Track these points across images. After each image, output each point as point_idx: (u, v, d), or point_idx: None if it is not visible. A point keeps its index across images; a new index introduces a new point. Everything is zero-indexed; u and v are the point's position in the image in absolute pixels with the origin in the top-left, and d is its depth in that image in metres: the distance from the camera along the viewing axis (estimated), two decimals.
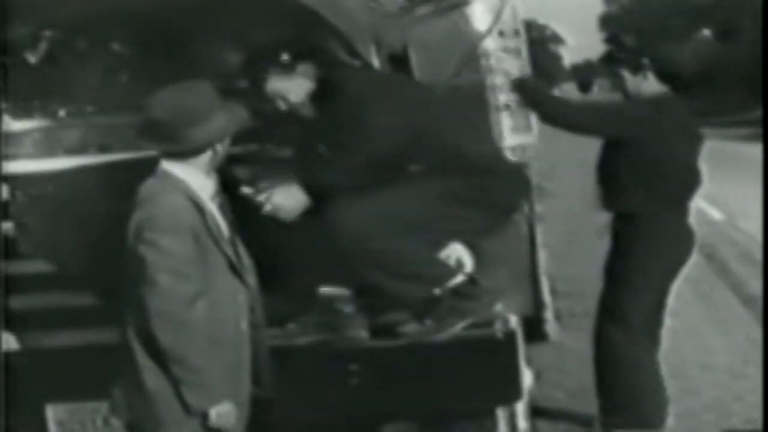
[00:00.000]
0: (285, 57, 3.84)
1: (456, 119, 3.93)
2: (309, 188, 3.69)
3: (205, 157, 3.40)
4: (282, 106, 3.88)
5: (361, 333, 3.84)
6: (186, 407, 3.31)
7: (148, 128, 3.41)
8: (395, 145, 3.71)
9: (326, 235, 3.64)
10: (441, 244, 3.91)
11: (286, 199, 3.68)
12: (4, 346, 4.02)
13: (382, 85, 3.98)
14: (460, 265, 3.93)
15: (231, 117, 3.43)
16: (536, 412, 5.08)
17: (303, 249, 3.75)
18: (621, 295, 4.84)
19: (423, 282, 3.81)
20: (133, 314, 3.33)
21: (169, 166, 3.39)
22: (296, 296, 3.93)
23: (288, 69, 3.85)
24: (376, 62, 4.20)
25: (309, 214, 3.70)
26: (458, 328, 3.83)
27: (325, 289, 3.88)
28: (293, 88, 3.86)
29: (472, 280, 3.88)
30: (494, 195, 3.88)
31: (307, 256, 3.79)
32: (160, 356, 3.29)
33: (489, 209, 3.90)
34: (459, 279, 3.85)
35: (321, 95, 3.86)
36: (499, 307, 3.98)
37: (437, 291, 3.81)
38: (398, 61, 4.27)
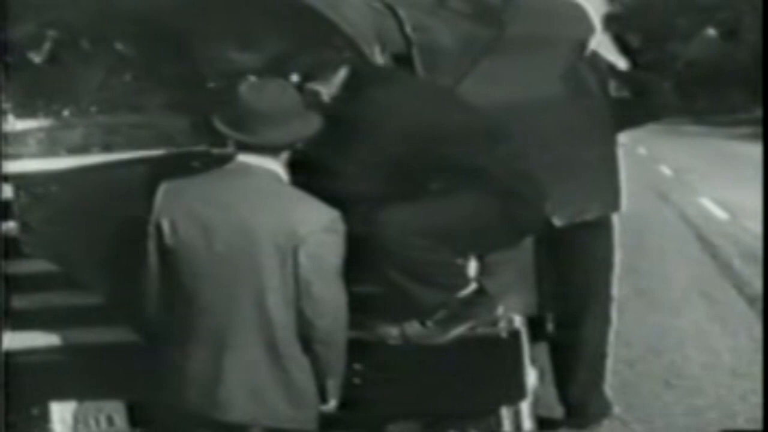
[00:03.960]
0: (309, 60, 3.84)
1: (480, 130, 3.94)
2: (332, 190, 3.72)
3: (284, 156, 3.51)
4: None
5: (391, 331, 3.84)
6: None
7: (246, 117, 3.47)
8: (415, 148, 3.73)
9: (362, 235, 3.64)
10: (466, 255, 3.94)
11: None
12: (5, 346, 4.02)
13: (411, 88, 3.99)
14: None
15: (312, 120, 3.56)
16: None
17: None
18: None
19: (444, 290, 3.84)
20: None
21: (256, 160, 3.48)
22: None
23: (315, 71, 3.85)
24: (379, 63, 4.21)
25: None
26: (459, 332, 3.83)
27: (356, 287, 3.88)
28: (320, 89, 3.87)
29: (481, 288, 3.91)
30: (521, 218, 3.91)
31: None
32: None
33: (515, 229, 3.96)
34: (471, 287, 3.88)
35: (347, 97, 3.86)
36: (502, 308, 3.98)
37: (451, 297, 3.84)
38: (402, 61, 4.27)
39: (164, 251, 3.53)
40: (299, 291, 3.43)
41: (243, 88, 3.56)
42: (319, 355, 3.51)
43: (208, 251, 3.46)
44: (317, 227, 3.43)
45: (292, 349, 3.47)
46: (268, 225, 3.43)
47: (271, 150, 3.51)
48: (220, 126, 3.54)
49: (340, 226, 3.48)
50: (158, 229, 3.53)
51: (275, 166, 3.52)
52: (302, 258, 3.40)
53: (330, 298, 3.48)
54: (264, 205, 3.47)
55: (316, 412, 3.59)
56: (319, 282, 3.43)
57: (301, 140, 3.55)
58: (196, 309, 3.48)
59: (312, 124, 3.58)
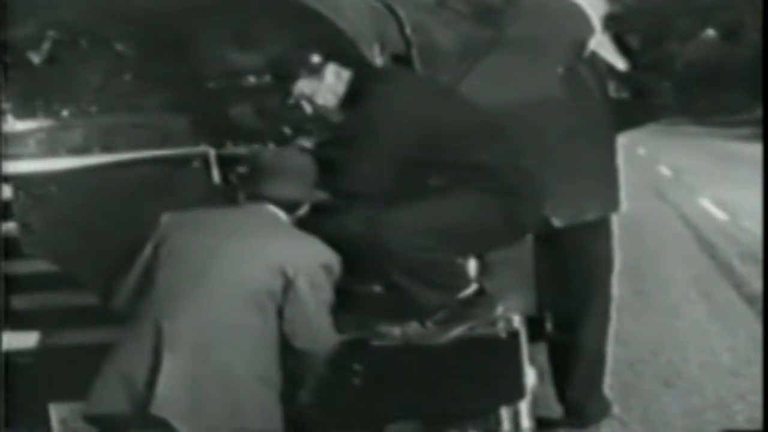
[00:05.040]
0: (315, 58, 3.85)
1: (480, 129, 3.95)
2: (334, 190, 3.73)
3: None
4: (307, 108, 3.89)
5: (394, 330, 3.84)
6: None
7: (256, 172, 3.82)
8: (416, 147, 3.73)
9: (365, 236, 3.66)
10: (466, 255, 3.95)
11: None
12: (5, 346, 4.02)
13: (412, 86, 3.99)
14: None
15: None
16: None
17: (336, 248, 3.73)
18: None
19: (445, 290, 3.84)
20: None
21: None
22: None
23: (316, 71, 3.85)
24: (379, 63, 4.21)
25: (336, 215, 3.72)
26: (459, 332, 3.84)
27: (358, 287, 3.88)
28: (321, 90, 3.87)
29: (482, 289, 3.91)
30: (518, 215, 3.92)
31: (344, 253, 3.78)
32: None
33: (513, 227, 3.96)
34: (472, 288, 3.88)
35: (350, 99, 3.86)
36: (501, 308, 3.98)
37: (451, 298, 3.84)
38: (402, 61, 4.27)
39: (156, 259, 3.66)
40: (289, 320, 3.57)
41: (262, 152, 3.89)
42: (297, 363, 3.64)
43: (201, 258, 3.59)
44: (314, 262, 3.60)
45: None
46: (271, 252, 3.57)
47: (280, 205, 3.70)
48: (233, 179, 3.83)
49: (336, 268, 3.64)
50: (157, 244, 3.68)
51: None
52: (298, 287, 3.55)
53: (316, 327, 3.62)
54: (263, 237, 3.64)
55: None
56: (307, 310, 3.58)
57: (303, 202, 3.74)
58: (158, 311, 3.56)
59: (317, 194, 3.76)
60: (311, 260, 3.59)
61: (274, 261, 3.55)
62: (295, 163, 3.78)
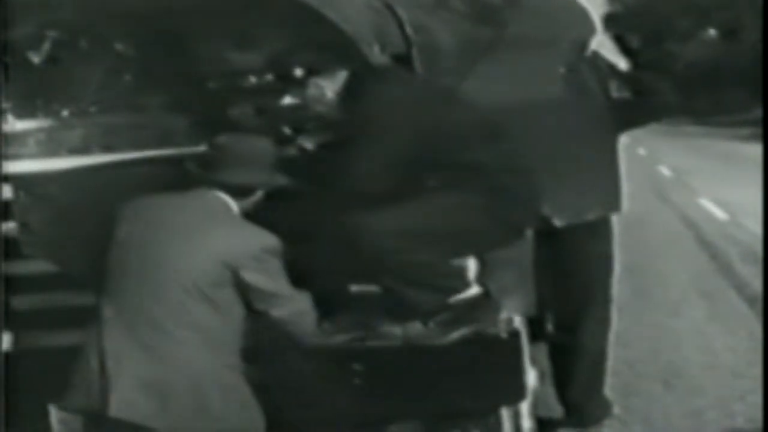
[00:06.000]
0: (311, 58, 3.85)
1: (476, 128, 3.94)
2: (332, 189, 3.72)
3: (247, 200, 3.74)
4: (309, 107, 3.90)
5: (394, 330, 3.84)
6: None
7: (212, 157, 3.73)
8: (415, 147, 3.73)
9: (353, 241, 3.66)
10: (460, 255, 3.93)
11: None
12: (5, 347, 4.02)
13: (410, 86, 3.99)
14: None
15: (276, 177, 3.73)
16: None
17: (333, 248, 3.73)
18: None
19: (440, 292, 3.84)
20: None
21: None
22: (328, 295, 3.93)
23: (299, 84, 3.85)
24: (379, 63, 4.20)
25: (336, 213, 3.72)
26: (461, 334, 3.83)
27: (357, 288, 3.88)
28: (307, 99, 3.87)
29: (486, 293, 3.91)
30: (510, 211, 3.90)
31: (338, 256, 3.78)
32: None
33: (505, 224, 3.94)
34: (474, 291, 3.87)
35: (348, 97, 3.86)
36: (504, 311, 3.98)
37: (450, 300, 3.83)
38: (402, 61, 4.27)
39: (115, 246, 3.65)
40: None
41: (221, 137, 3.77)
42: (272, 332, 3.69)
43: (144, 250, 3.59)
44: (256, 248, 3.59)
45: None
46: (212, 244, 3.56)
47: (228, 189, 3.65)
48: (190, 166, 3.71)
49: (279, 249, 3.63)
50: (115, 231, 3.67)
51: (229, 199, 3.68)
52: (247, 274, 3.56)
53: (273, 291, 3.61)
54: (211, 226, 3.62)
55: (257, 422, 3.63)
56: (259, 287, 3.58)
57: (259, 187, 3.69)
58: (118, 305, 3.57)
59: (274, 179, 3.70)
60: (253, 247, 3.58)
61: (216, 254, 3.54)
62: (249, 147, 3.74)
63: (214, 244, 3.56)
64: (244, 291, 3.56)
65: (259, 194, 3.72)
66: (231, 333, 3.58)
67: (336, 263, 3.72)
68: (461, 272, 3.94)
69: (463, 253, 3.95)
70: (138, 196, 3.68)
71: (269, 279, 3.59)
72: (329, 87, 3.86)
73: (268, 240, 3.61)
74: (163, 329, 3.50)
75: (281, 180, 3.71)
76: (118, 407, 3.45)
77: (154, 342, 3.50)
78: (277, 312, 3.61)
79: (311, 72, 3.85)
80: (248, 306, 3.59)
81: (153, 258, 3.56)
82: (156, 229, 3.60)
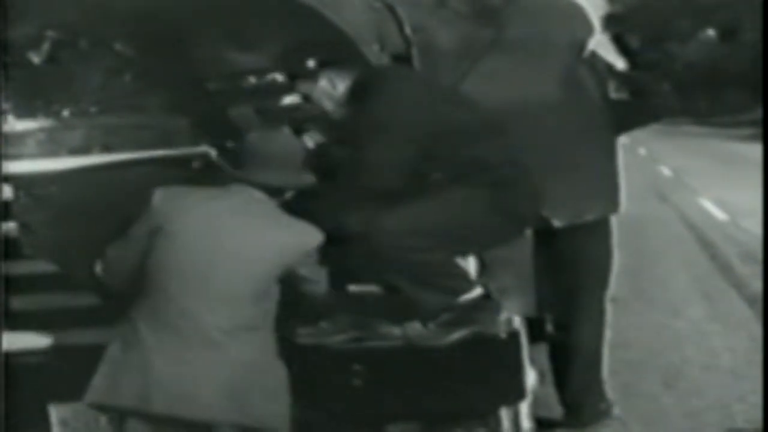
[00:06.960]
0: (316, 59, 3.85)
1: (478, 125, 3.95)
2: (339, 188, 3.73)
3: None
4: (315, 106, 3.90)
5: (394, 331, 3.84)
6: None
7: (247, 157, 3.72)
8: (422, 143, 3.74)
9: (362, 238, 3.66)
10: (464, 254, 3.94)
11: None
12: (5, 347, 4.02)
13: (414, 84, 3.99)
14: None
15: (305, 176, 3.74)
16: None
17: (334, 246, 3.74)
18: None
19: (444, 293, 3.84)
20: None
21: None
22: (328, 294, 3.94)
23: (312, 75, 3.85)
24: (379, 62, 4.21)
25: (337, 213, 3.72)
26: (461, 335, 3.84)
27: (355, 288, 3.88)
28: (316, 93, 3.87)
29: (487, 294, 3.91)
30: (514, 207, 3.90)
31: (338, 255, 3.78)
32: None
33: (510, 217, 3.94)
34: (476, 293, 3.88)
35: (353, 97, 3.86)
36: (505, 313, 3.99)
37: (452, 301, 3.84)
38: (402, 61, 4.28)
39: (153, 240, 3.61)
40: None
41: (253, 135, 3.79)
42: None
43: (194, 251, 3.57)
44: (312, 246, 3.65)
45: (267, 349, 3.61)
46: (268, 246, 3.58)
47: (265, 190, 3.67)
48: (221, 164, 3.77)
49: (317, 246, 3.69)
50: (153, 223, 3.62)
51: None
52: (302, 269, 3.65)
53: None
54: (265, 226, 3.63)
55: (288, 411, 3.64)
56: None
57: (290, 189, 3.71)
58: (166, 303, 3.56)
59: (304, 179, 3.72)
60: (308, 245, 3.64)
61: (272, 255, 3.58)
62: (281, 147, 3.74)
63: (271, 245, 3.59)
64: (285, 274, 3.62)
65: (289, 193, 3.74)
66: (271, 323, 3.62)
67: (348, 262, 3.72)
68: (465, 273, 3.94)
69: (470, 249, 3.96)
70: (174, 188, 3.67)
71: (313, 266, 3.66)
72: (340, 82, 3.85)
73: (317, 234, 3.65)
74: (208, 324, 3.51)
75: (309, 180, 3.73)
76: (199, 407, 3.48)
77: (199, 337, 3.51)
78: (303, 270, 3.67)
79: (323, 65, 3.83)
80: None
81: (204, 256, 3.56)
82: (207, 227, 3.60)
